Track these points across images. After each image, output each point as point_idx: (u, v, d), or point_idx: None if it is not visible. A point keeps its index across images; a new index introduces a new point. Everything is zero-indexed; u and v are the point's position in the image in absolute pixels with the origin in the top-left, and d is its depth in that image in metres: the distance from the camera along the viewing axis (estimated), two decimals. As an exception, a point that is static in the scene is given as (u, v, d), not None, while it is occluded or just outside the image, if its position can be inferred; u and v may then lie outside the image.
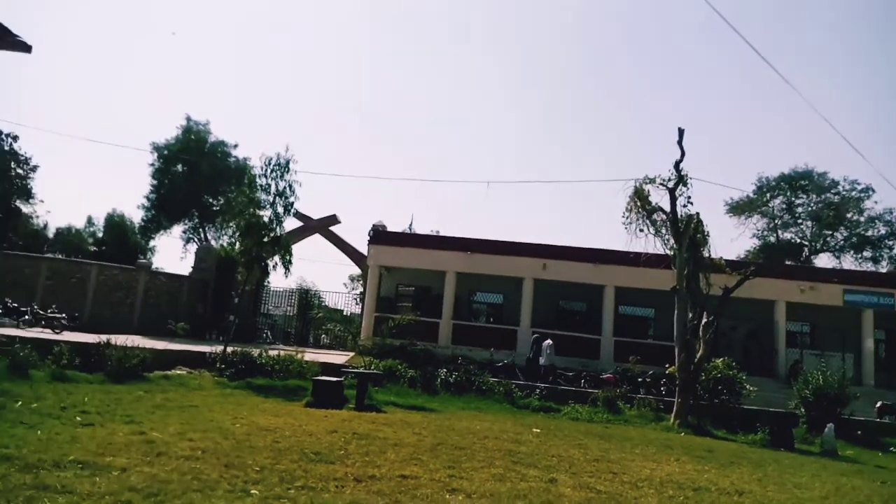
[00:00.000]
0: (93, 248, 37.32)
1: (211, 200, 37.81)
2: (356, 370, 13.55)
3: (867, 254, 40.83)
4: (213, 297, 25.15)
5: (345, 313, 29.36)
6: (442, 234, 31.16)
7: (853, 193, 40.37)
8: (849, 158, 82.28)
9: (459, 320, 27.81)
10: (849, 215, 40.92)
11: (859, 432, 14.86)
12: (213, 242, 35.29)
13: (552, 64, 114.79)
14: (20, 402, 7.81)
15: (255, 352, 14.79)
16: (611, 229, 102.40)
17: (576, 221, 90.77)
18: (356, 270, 38.98)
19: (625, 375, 19.83)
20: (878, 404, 19.24)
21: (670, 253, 16.52)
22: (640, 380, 19.62)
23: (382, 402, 12.23)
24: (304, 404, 10.85)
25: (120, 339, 12.88)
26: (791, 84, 61.00)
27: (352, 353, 20.98)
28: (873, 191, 39.42)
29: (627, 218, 16.57)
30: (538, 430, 10.31)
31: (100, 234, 39.59)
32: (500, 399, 14.84)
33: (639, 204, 16.48)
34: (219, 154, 37.21)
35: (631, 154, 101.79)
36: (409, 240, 29.80)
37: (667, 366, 17.41)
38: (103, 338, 12.80)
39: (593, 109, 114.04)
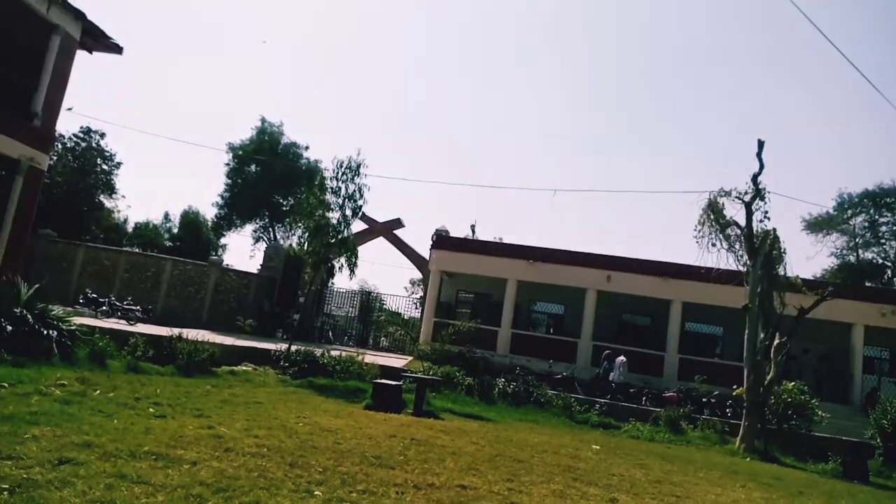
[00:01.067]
0: (168, 244, 38.94)
1: (281, 201, 38.93)
2: (415, 375, 13.66)
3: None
4: (279, 296, 25.84)
5: (404, 317, 29.63)
6: (505, 241, 31.04)
7: (943, 213, 38.15)
8: (939, 176, 77.60)
9: (518, 329, 27.64)
10: (938, 236, 38.67)
11: (944, 469, 13.97)
12: (281, 242, 36.28)
13: (624, 68, 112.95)
14: (98, 391, 8.20)
15: (318, 351, 15.10)
16: (680, 242, 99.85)
17: (644, 233, 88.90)
18: (417, 275, 39.31)
19: (688, 395, 19.26)
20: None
21: (743, 269, 16.01)
22: (704, 400, 19.03)
23: (440, 408, 12.28)
24: (363, 406, 11.00)
25: (191, 334, 13.37)
26: (880, 90, 57.87)
27: (410, 358, 21.15)
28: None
29: (700, 231, 16.19)
30: (597, 447, 10.13)
31: (175, 230, 41.27)
32: (557, 412, 14.66)
33: (712, 217, 16.08)
34: (291, 155, 38.31)
35: (704, 165, 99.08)
36: (470, 246, 29.85)
37: (734, 387, 16.82)
38: (175, 331, 13.33)
39: (664, 119, 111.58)
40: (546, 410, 14.76)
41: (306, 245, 18.82)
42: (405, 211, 61.22)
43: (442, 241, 28.88)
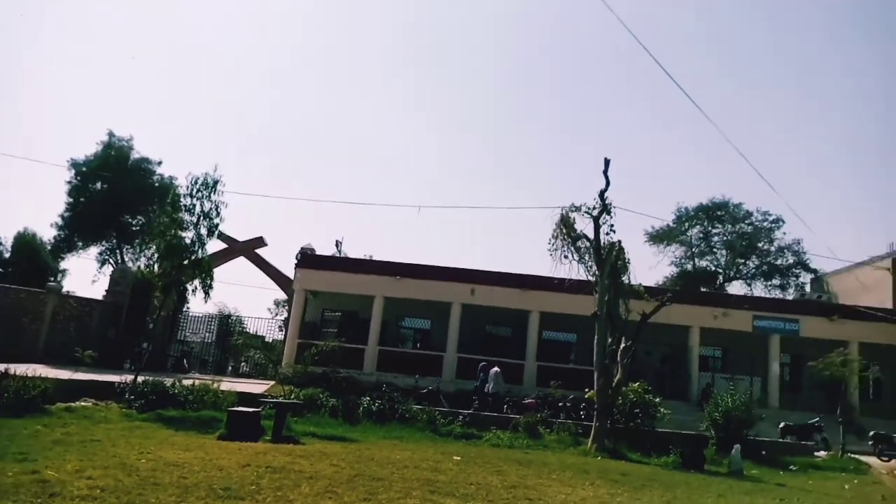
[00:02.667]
0: (-1, 270, 35.11)
1: (131, 220, 36.38)
2: (274, 400, 13.23)
3: (776, 282, 43.20)
4: (127, 323, 24.09)
5: (267, 340, 28.67)
6: (373, 258, 30.99)
7: (765, 224, 42.74)
8: (761, 190, 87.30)
9: (386, 346, 27.64)
10: (760, 245, 43.24)
11: (764, 452, 15.55)
12: (130, 264, 33.89)
13: (481, 90, 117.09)
14: None
15: (169, 381, 14.22)
16: (537, 256, 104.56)
17: (505, 248, 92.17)
18: (282, 295, 38.24)
19: (546, 400, 20.16)
20: (781, 425, 20.25)
21: (592, 279, 16.96)
22: (560, 404, 19.97)
23: (301, 432, 11.97)
24: (217, 437, 10.48)
25: (21, 369, 12.13)
26: (709, 118, 64.55)
27: (272, 382, 20.45)
28: (783, 222, 41.91)
29: (553, 244, 16.95)
30: (458, 458, 10.32)
31: (7, 255, 37.31)
32: (422, 427, 14.77)
33: (564, 231, 16.89)
34: (141, 171, 35.87)
35: (558, 183, 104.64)
36: (336, 263, 29.53)
37: (586, 390, 17.79)
38: (1, 367, 12.03)
39: (522, 139, 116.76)
40: (411, 426, 14.81)
41: (156, 267, 17.74)
42: (271, 230, 59.80)
43: (307, 259, 28.33)
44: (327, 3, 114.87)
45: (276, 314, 44.46)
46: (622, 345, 15.92)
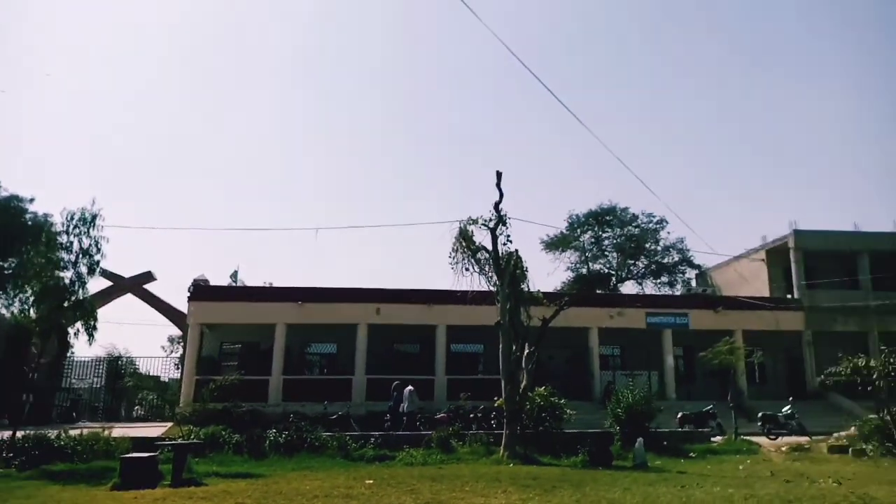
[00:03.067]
0: None
1: (2, 263, 33.54)
2: (173, 442, 12.52)
3: (664, 279, 45.63)
4: (0, 375, 22.16)
5: (163, 379, 27.18)
6: (274, 286, 30.10)
7: (650, 226, 45.07)
8: (644, 194, 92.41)
9: (291, 375, 26.91)
10: (647, 245, 45.59)
11: (665, 443, 16.28)
12: (3, 311, 31.23)
13: (378, 109, 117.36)
14: None
15: (53, 433, 13.15)
16: (441, 270, 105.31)
17: (410, 264, 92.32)
18: (176, 331, 36.42)
19: (457, 413, 20.22)
20: (679, 415, 21.34)
21: (494, 289, 17.22)
22: (471, 416, 20.10)
23: (204, 473, 11.37)
24: (110, 487, 9.77)
25: None
26: (591, 131, 67.64)
27: (170, 424, 19.39)
28: (667, 222, 44.41)
29: (454, 258, 17.08)
30: (371, 482, 10.14)
31: None
32: (333, 454, 14.42)
33: (464, 244, 17.07)
34: (12, 210, 33.19)
35: (457, 198, 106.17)
36: (233, 293, 28.50)
37: (495, 398, 18.00)
38: None
39: (418, 155, 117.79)
40: (321, 454, 14.42)
41: (33, 311, 16.45)
42: (161, 264, 56.73)
43: (201, 291, 27.16)
44: (213, 27, 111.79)
45: (172, 351, 42.35)
46: (526, 351, 16.24)
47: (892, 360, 15.56)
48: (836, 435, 17.91)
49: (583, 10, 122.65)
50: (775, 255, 34.49)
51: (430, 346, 27.78)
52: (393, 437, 16.68)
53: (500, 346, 16.18)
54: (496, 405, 17.99)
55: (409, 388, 21.30)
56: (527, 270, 17.81)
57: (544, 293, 19.58)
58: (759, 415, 22.02)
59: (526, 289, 17.66)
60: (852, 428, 16.82)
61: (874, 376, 15.63)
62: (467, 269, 17.02)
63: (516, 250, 17.17)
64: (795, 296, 32.11)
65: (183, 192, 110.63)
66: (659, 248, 45.47)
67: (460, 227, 17.18)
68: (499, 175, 17.32)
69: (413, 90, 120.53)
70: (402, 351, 30.11)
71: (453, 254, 17.06)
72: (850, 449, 15.67)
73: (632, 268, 46.19)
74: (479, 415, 20.17)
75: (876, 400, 15.66)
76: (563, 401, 17.15)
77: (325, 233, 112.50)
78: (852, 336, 30.47)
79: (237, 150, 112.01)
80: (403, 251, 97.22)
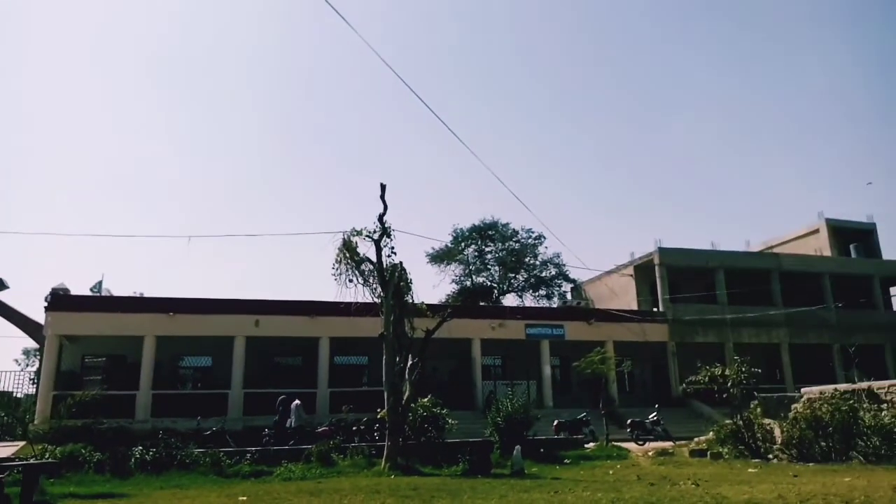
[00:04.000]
0: None
1: None
2: (23, 462, 11.44)
3: (542, 292, 47.45)
4: None
5: (17, 395, 24.79)
6: (145, 296, 28.33)
7: (529, 241, 46.78)
8: (525, 210, 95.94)
9: (161, 389, 25.44)
10: (527, 260, 47.22)
11: (542, 450, 16.80)
12: None
13: (260, 118, 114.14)
14: None
15: None
16: (325, 281, 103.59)
17: (292, 275, 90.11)
18: (32, 344, 33.43)
19: (339, 426, 19.91)
20: (555, 422, 22.16)
21: (378, 301, 17.13)
22: (354, 428, 19.86)
23: (59, 495, 10.47)
24: (-56, 518, 8.77)
25: None
26: (470, 149, 69.52)
27: (23, 443, 17.72)
28: (544, 237, 46.26)
29: (337, 269, 16.84)
30: (244, 499, 9.74)
31: None
32: (206, 471, 13.72)
33: (348, 255, 16.87)
34: None
35: (341, 209, 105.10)
36: (96, 304, 26.57)
37: (378, 410, 17.88)
38: None
39: (301, 166, 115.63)
40: (193, 471, 13.67)
41: None
42: (15, 272, 51.59)
43: (60, 300, 25.13)
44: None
45: (27, 365, 38.81)
46: (409, 362, 16.27)
47: (743, 369, 16.92)
48: (696, 439, 19.23)
49: (465, 30, 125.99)
50: (642, 271, 36.79)
51: (313, 358, 27.24)
52: (271, 453, 16.14)
53: (384, 357, 16.11)
54: (379, 417, 17.87)
55: (297, 402, 20.79)
56: (411, 282, 17.88)
57: (429, 305, 19.73)
58: (628, 421, 23.27)
59: (410, 300, 17.70)
60: (710, 433, 18.08)
61: (728, 384, 16.93)
62: (351, 281, 16.85)
63: (400, 262, 17.21)
64: (660, 309, 34.37)
65: (39, 197, 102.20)
66: (538, 263, 47.26)
67: (344, 239, 16.99)
68: (383, 187, 17.29)
69: (296, 99, 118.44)
70: (283, 364, 29.31)
71: (337, 265, 16.83)
72: (709, 452, 16.82)
73: (512, 281, 47.64)
74: (363, 427, 19.96)
75: (731, 406, 16.93)
76: (445, 411, 17.33)
77: (203, 243, 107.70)
78: (711, 346, 33.04)
79: (102, 154, 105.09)
80: (285, 262, 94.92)
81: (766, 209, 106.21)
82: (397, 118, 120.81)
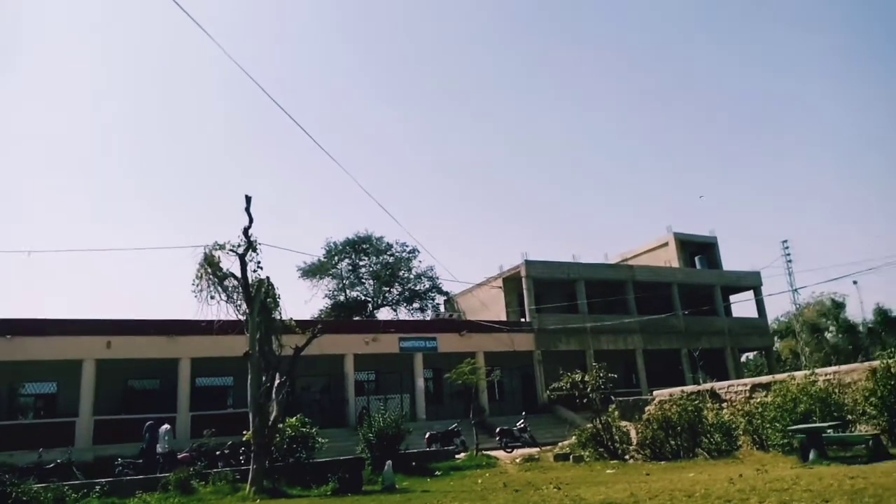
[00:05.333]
0: None
1: None
2: None
3: (416, 305, 47.87)
4: None
5: None
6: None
7: (404, 254, 47.07)
8: (397, 224, 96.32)
9: (-3, 421, 22.97)
10: (401, 273, 47.44)
11: (414, 463, 16.84)
12: None
13: (114, 125, 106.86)
14: None
15: None
16: (185, 299, 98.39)
17: (149, 293, 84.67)
18: None
19: (201, 451, 18.88)
20: (427, 435, 22.31)
21: (243, 318, 16.45)
22: (218, 453, 18.95)
23: None
24: None
25: None
26: (339, 163, 69.00)
27: None
28: (418, 251, 46.73)
29: (198, 285, 15.99)
30: (90, 536, 8.95)
31: None
32: (47, 508, 12.49)
33: (209, 270, 16.09)
34: None
35: (204, 223, 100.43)
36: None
37: (244, 433, 17.14)
38: None
39: (158, 177, 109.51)
40: (31, 510, 12.40)
41: None
42: None
43: None
44: None
45: None
46: (277, 381, 15.73)
47: (601, 375, 17.88)
48: (560, 444, 20.06)
49: (334, 40, 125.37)
50: (511, 283, 38.07)
51: (172, 380, 25.71)
52: (124, 483, 15.02)
53: (249, 377, 15.48)
54: (245, 440, 17.12)
55: (166, 426, 19.59)
56: (279, 298, 17.29)
57: (300, 321, 19.18)
58: (497, 430, 23.89)
59: (278, 317, 17.13)
60: (573, 437, 18.93)
61: (588, 389, 17.82)
62: (213, 297, 16.08)
63: (267, 277, 16.63)
64: (527, 319, 35.67)
65: None
66: (412, 276, 47.63)
67: (205, 253, 16.18)
68: (248, 199, 16.68)
69: (155, 108, 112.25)
70: (139, 387, 27.43)
71: (197, 281, 15.99)
72: (572, 456, 17.59)
73: (387, 294, 47.66)
74: (227, 451, 19.07)
75: (592, 410, 17.80)
76: (315, 430, 16.89)
77: (49, 260, 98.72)
78: (574, 354, 34.72)
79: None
80: (140, 279, 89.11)
81: (624, 223, 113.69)
82: (263, 130, 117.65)
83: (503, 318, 36.67)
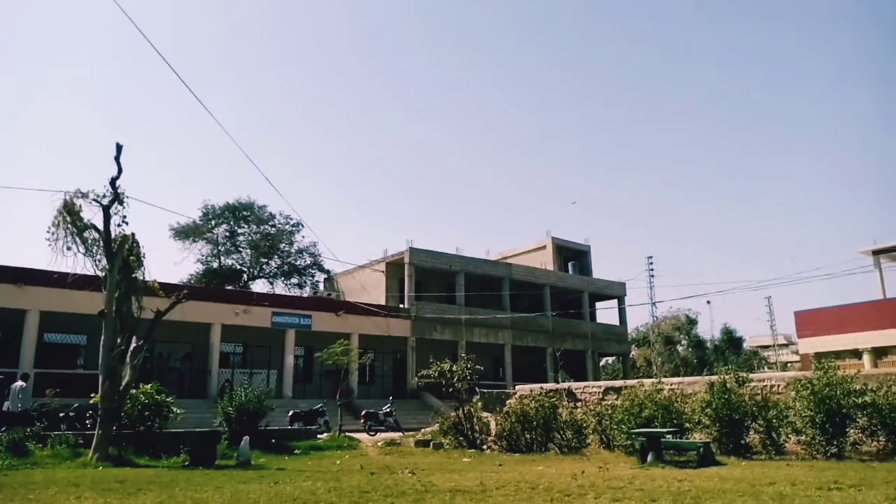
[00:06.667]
0: None
1: None
2: None
3: (295, 280, 46.83)
4: None
5: None
6: None
7: (287, 227, 45.86)
8: (273, 196, 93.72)
9: None
10: (282, 246, 46.24)
11: (273, 440, 16.53)
12: None
13: None
14: None
15: None
16: (39, 247, 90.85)
17: None
18: None
19: (42, 412, 17.53)
20: (290, 413, 21.97)
21: (101, 274, 15.40)
22: (62, 415, 17.69)
23: None
24: None
25: None
26: (221, 125, 66.03)
27: None
28: (303, 226, 45.72)
29: (54, 234, 14.79)
30: None
31: None
32: None
33: (69, 219, 14.90)
34: None
35: (67, 168, 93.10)
36: None
37: (92, 395, 16.11)
38: None
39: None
40: None
41: None
42: None
43: None
44: None
45: None
46: (133, 345, 14.88)
47: (469, 367, 18.33)
48: (423, 431, 20.42)
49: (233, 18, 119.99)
50: (393, 268, 38.17)
51: (17, 333, 23.65)
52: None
53: (103, 337, 14.54)
54: (92, 402, 16.10)
55: (20, 383, 17.97)
56: (144, 257, 16.30)
57: (165, 284, 18.22)
58: (363, 413, 23.93)
59: (141, 277, 16.18)
60: (436, 425, 19.30)
61: (455, 379, 18.22)
62: (69, 248, 14.92)
63: (133, 234, 15.61)
64: (406, 306, 35.93)
65: None
66: (293, 251, 46.55)
67: (65, 199, 14.94)
68: (119, 148, 15.54)
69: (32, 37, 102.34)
70: (-25, 340, 25.03)
71: (54, 229, 14.78)
72: (432, 443, 17.95)
73: (264, 266, 46.30)
74: (72, 414, 17.87)
75: (458, 399, 18.21)
76: (171, 398, 16.14)
77: None
78: (447, 343, 35.39)
79: None
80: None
81: (509, 224, 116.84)
82: (153, 84, 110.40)
83: (382, 302, 36.70)
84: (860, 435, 12.24)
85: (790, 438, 12.92)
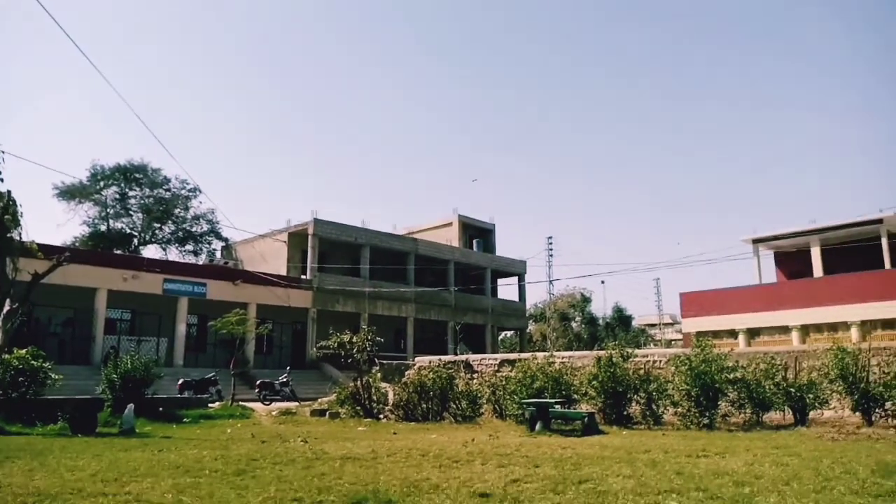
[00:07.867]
0: None
1: None
2: None
3: (190, 247, 44.97)
4: None
5: None
6: None
7: (183, 192, 43.80)
8: (168, 160, 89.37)
9: None
10: (177, 211, 44.17)
11: (161, 409, 15.97)
12: None
13: None
14: None
15: None
16: None
17: None
18: None
19: None
20: (180, 381, 21.26)
21: (-23, 234, 14.20)
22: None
23: None
24: None
25: None
26: (110, 83, 61.96)
27: None
28: (200, 191, 43.83)
29: (-81, 188, 13.49)
30: None
31: None
32: None
33: (-64, 173, 13.60)
34: None
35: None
36: None
37: (-44, 363, 14.91)
38: None
39: None
40: None
41: None
42: None
43: None
44: None
45: None
46: (7, 308, 13.88)
47: (369, 339, 18.32)
48: (319, 400, 20.31)
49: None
50: (296, 239, 37.41)
51: None
52: None
53: (-29, 299, 13.46)
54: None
55: None
56: (21, 216, 15.19)
57: (46, 245, 17.16)
58: (258, 382, 23.49)
59: (17, 237, 15.07)
60: (334, 395, 19.23)
61: (354, 350, 18.17)
62: (-66, 204, 13.66)
63: (9, 191, 14.48)
64: (308, 277, 35.37)
65: None
66: (189, 217, 44.64)
67: (-70, 152, 13.64)
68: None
69: None
70: None
71: (-81, 183, 13.49)
72: (328, 412, 17.91)
73: (157, 231, 44.15)
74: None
75: (357, 370, 18.19)
76: (48, 364, 15.23)
77: None
78: (350, 315, 35.21)
79: None
80: None
81: (418, 199, 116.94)
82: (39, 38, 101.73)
83: (283, 272, 35.92)
84: (730, 407, 13.27)
85: (668, 410, 13.80)
